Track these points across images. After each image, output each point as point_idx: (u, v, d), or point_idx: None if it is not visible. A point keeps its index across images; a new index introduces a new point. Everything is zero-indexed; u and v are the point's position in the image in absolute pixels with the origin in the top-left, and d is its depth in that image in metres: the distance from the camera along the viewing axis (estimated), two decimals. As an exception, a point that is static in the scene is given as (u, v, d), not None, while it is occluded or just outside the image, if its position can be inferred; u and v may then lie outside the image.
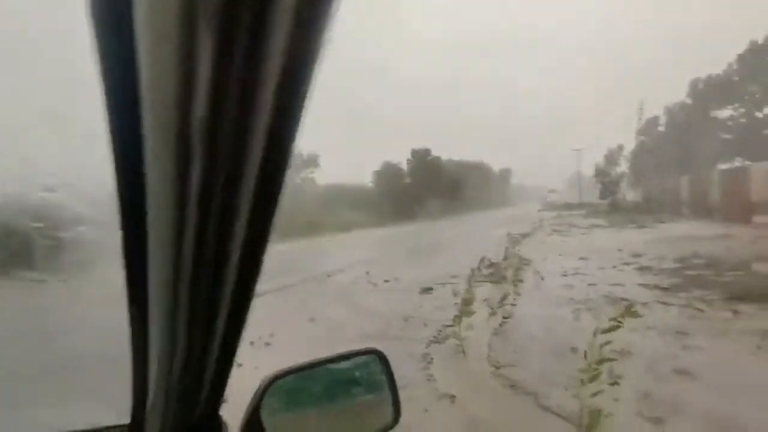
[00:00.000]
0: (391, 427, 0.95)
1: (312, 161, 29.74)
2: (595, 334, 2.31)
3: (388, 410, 0.96)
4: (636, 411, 2.78)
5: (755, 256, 8.25)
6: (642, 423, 2.67)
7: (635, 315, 2.50)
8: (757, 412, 2.67)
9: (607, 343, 2.24)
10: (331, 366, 0.97)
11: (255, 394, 0.77)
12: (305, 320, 5.80)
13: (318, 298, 7.30)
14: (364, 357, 1.01)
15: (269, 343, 4.92)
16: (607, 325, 2.36)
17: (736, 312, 4.81)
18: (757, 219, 14.15)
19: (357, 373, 1.01)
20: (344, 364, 0.99)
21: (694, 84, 25.92)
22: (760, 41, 22.97)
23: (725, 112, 24.44)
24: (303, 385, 0.92)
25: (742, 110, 23.40)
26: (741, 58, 23.74)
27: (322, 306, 6.68)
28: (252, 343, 4.98)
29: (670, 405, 2.84)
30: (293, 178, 29.55)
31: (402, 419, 3.12)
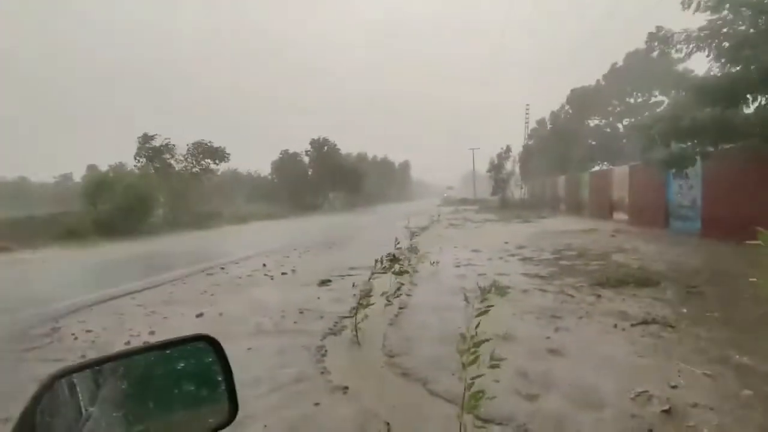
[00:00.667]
0: (227, 424, 0.82)
1: (213, 151, 27.80)
2: (473, 320, 2.40)
3: (223, 406, 0.83)
4: (514, 389, 2.98)
5: (614, 248, 9.45)
6: (519, 400, 2.86)
7: (503, 293, 2.62)
8: (611, 382, 3.01)
9: (477, 326, 2.33)
10: (151, 356, 0.82)
11: (32, 395, 0.60)
12: (192, 315, 5.38)
13: (209, 292, 6.82)
14: (193, 344, 0.87)
15: (147, 342, 4.43)
16: (484, 309, 2.46)
17: (598, 296, 5.43)
18: (616, 216, 16.29)
19: (183, 364, 0.85)
20: (168, 353, 0.84)
21: (573, 93, 29.10)
22: (619, 64, 26.54)
23: (595, 121, 27.81)
24: (112, 379, 0.75)
25: (606, 121, 26.91)
26: (605, 77, 27.23)
27: (212, 300, 6.26)
28: (127, 342, 4.50)
29: (543, 382, 3.09)
30: (191, 168, 27.33)
31: (292, 414, 2.98)
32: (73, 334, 4.81)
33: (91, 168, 24.58)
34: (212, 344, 0.85)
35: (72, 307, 6.10)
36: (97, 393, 0.73)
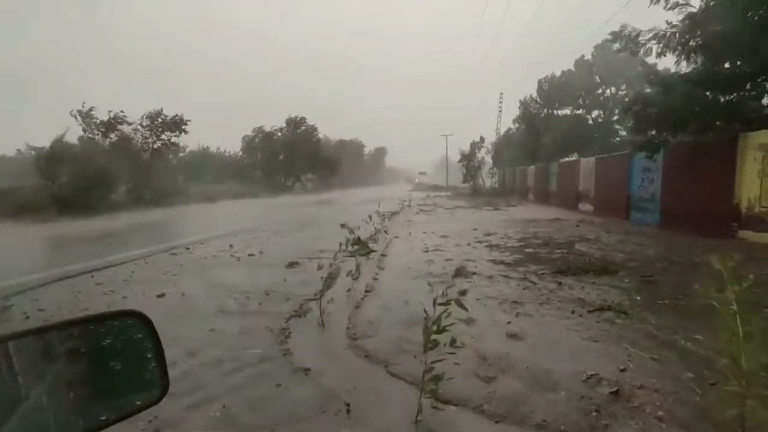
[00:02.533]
0: (156, 402, 0.80)
1: (177, 124, 26.60)
2: (434, 304, 2.43)
3: (154, 384, 0.81)
4: (473, 372, 3.06)
5: (578, 237, 9.75)
6: (477, 382, 2.94)
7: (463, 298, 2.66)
8: (565, 364, 3.13)
9: (446, 311, 2.36)
10: (74, 331, 0.79)
11: None
12: (153, 296, 5.25)
13: (172, 272, 6.66)
14: (121, 320, 0.84)
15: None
16: (446, 296, 2.50)
17: (559, 284, 5.60)
18: (582, 206, 16.78)
19: (110, 340, 0.82)
20: (93, 329, 0.81)
21: (541, 83, 29.51)
22: (586, 56, 27.09)
23: (564, 111, 28.33)
24: (24, 359, 0.71)
25: (577, 112, 27.44)
26: (571, 68, 27.74)
27: (175, 280, 6.12)
28: (83, 323, 4.32)
29: (501, 365, 3.18)
30: (152, 143, 26.20)
31: (253, 394, 2.96)
32: (24, 313, 4.62)
33: (57, 141, 23.17)
34: (143, 321, 0.82)
35: (25, 285, 5.84)
36: (5, 375, 0.69)
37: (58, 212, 16.97)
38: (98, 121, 24.24)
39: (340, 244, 5.01)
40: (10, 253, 9.40)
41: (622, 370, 3.05)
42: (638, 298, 4.90)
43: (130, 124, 25.23)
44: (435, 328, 2.34)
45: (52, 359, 0.75)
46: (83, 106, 24.11)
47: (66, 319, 0.78)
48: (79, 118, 23.96)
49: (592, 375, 2.96)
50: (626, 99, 22.44)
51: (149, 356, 0.81)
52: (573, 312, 4.42)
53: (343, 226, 5.69)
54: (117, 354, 0.82)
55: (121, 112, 24.73)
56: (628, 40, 9.85)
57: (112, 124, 24.54)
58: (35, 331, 0.72)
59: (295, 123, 43.79)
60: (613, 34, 10.05)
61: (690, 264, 6.61)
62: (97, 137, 24.39)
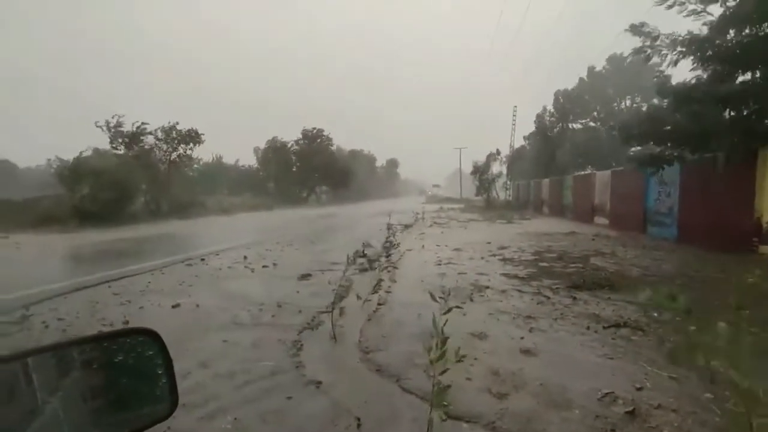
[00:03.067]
0: (166, 417, 0.82)
1: (192, 137, 27.12)
2: (441, 317, 2.43)
3: (163, 400, 0.83)
4: (485, 388, 3.02)
5: (593, 251, 9.62)
6: (489, 398, 2.90)
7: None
8: (580, 383, 3.07)
9: (445, 323, 2.35)
10: (87, 348, 0.81)
11: None
12: (168, 306, 5.32)
13: (187, 283, 6.75)
14: (133, 337, 0.86)
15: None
16: (455, 309, 2.49)
17: (574, 299, 5.52)
18: (597, 220, 16.56)
19: (122, 357, 0.85)
20: (106, 346, 0.83)
21: (556, 96, 29.41)
22: (597, 68, 26.97)
23: (578, 125, 28.16)
24: (42, 374, 0.74)
25: (591, 124, 27.26)
26: (583, 80, 27.60)
27: (190, 291, 6.19)
28: (99, 332, 4.40)
29: (514, 381, 3.14)
30: (169, 154, 26.68)
31: (264, 407, 2.98)
32: (44, 322, 4.72)
33: (81, 154, 23.82)
34: (154, 338, 0.84)
35: (44, 294, 5.98)
36: (25, 389, 0.72)
37: (78, 223, 17.35)
38: (124, 132, 24.75)
39: (353, 257, 5.02)
40: (31, 263, 9.63)
41: (639, 389, 2.99)
42: (655, 314, 4.80)
43: (155, 136, 25.80)
44: (441, 341, 2.32)
45: (68, 374, 0.77)
46: (112, 119, 24.74)
47: (81, 336, 0.81)
48: (106, 129, 24.55)
49: (607, 393, 2.91)
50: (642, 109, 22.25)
51: (160, 372, 0.83)
52: (588, 328, 4.35)
53: (364, 247, 5.71)
54: (129, 370, 0.85)
55: (144, 124, 25.31)
56: (648, 38, 9.71)
57: (136, 136, 25.07)
58: (53, 347, 0.75)
59: (312, 135, 44.12)
60: (632, 27, 9.88)
61: (709, 279, 6.46)
62: (120, 149, 24.89)
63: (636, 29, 9.77)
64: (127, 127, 24.83)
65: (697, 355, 3.57)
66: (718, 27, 8.83)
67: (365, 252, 5.40)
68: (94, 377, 0.82)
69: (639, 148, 12.41)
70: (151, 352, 0.83)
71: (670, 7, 9.04)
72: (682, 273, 7.12)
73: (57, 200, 19.47)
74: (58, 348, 0.76)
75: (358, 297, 5.17)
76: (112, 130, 24.54)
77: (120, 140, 24.75)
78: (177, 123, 26.71)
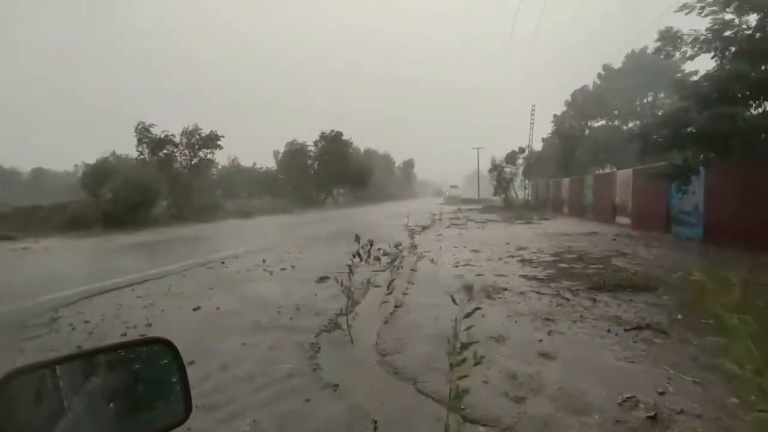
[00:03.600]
0: (180, 423, 0.85)
1: (212, 140, 27.56)
2: (459, 320, 2.41)
3: (178, 406, 0.86)
4: (502, 392, 3.00)
5: (614, 252, 9.43)
6: (507, 402, 2.88)
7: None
8: (599, 388, 3.02)
9: (469, 327, 2.33)
10: (106, 357, 0.85)
11: None
12: (189, 309, 5.43)
13: (208, 285, 6.87)
14: (149, 347, 0.90)
15: (144, 335, 4.48)
16: (470, 311, 2.47)
17: (594, 300, 5.43)
18: (619, 219, 16.23)
19: (139, 365, 0.88)
20: (124, 355, 0.87)
21: (574, 95, 28.94)
22: (615, 65, 26.46)
23: (599, 122, 27.63)
24: (65, 381, 0.78)
25: (611, 123, 26.73)
26: (601, 78, 27.08)
27: (210, 294, 6.30)
28: (124, 334, 4.54)
29: (531, 385, 3.11)
30: (191, 159, 27.20)
31: (282, 409, 3.01)
32: (71, 325, 4.87)
33: (102, 159, 24.53)
34: (169, 347, 0.87)
35: (70, 297, 6.16)
36: (51, 394, 0.76)
37: (103, 227, 17.83)
38: (150, 138, 25.37)
39: (365, 259, 5.01)
40: (58, 267, 9.94)
41: (661, 393, 2.92)
42: (679, 316, 4.68)
43: (176, 144, 26.38)
44: (460, 345, 2.31)
45: (90, 381, 0.81)
46: (143, 124, 25.41)
47: (103, 345, 0.85)
48: (136, 134, 25.24)
49: (628, 398, 2.85)
50: (663, 109, 21.72)
51: (174, 380, 0.87)
52: (608, 330, 4.27)
53: (380, 249, 5.71)
54: (145, 377, 0.89)
55: (170, 132, 25.99)
56: (671, 40, 9.57)
57: (161, 142, 25.69)
58: (78, 355, 0.78)
59: (331, 138, 44.27)
60: (660, 34, 9.77)
61: (739, 282, 6.26)
62: (146, 155, 25.52)
63: (663, 35, 9.63)
64: (154, 132, 25.49)
65: (722, 359, 3.48)
66: (739, 24, 8.61)
67: (382, 254, 5.40)
68: (114, 384, 0.86)
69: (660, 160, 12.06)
70: (166, 361, 0.86)
71: (688, 12, 8.87)
72: (707, 274, 6.92)
73: (82, 205, 20.05)
74: (82, 356, 0.80)
75: (375, 299, 5.19)
76: (140, 135, 25.21)
77: (146, 145, 25.38)
78: (197, 125, 27.20)
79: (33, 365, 0.72)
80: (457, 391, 2.30)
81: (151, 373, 0.88)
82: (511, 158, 35.04)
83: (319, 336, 4.36)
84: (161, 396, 0.89)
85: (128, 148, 25.85)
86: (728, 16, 8.69)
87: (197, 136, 27.08)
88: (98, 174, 21.51)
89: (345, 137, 44.86)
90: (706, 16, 8.78)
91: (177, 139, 26.40)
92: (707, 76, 9.57)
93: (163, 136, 25.59)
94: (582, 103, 27.95)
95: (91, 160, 26.08)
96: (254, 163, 46.88)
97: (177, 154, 26.64)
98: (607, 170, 22.12)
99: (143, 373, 0.88)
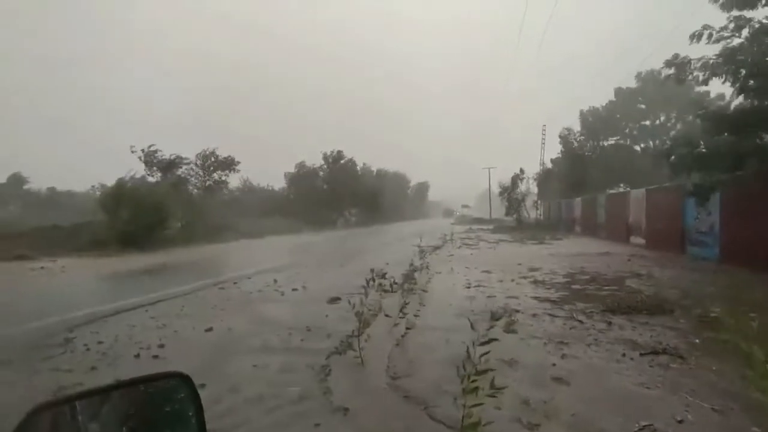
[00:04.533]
0: None
1: (228, 164, 28.19)
2: (474, 345, 2.41)
3: None
4: (515, 418, 2.95)
5: (628, 273, 9.29)
6: (519, 429, 2.83)
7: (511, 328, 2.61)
8: (615, 414, 2.96)
9: (486, 353, 2.32)
10: (124, 392, 0.87)
11: None
12: (201, 330, 5.46)
13: (220, 306, 6.91)
14: (166, 381, 0.92)
15: (158, 356, 4.53)
16: (486, 337, 2.46)
17: (609, 323, 5.35)
18: (633, 239, 16.02)
19: (156, 400, 0.91)
20: (141, 389, 0.89)
21: (584, 115, 28.96)
22: (624, 87, 26.53)
23: (611, 142, 27.53)
24: (85, 415, 0.80)
25: (622, 142, 26.63)
26: (612, 100, 27.16)
27: (222, 315, 6.33)
28: (137, 355, 4.58)
29: (545, 411, 3.05)
30: (204, 181, 27.73)
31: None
32: (85, 345, 4.93)
33: (120, 180, 25.27)
34: (185, 381, 0.90)
35: (86, 317, 6.24)
36: (72, 430, 0.78)
37: (119, 248, 18.09)
38: (159, 160, 25.93)
39: (376, 281, 5.02)
40: (74, 288, 10.09)
41: (680, 422, 2.85)
42: (697, 340, 4.58)
43: (188, 164, 26.98)
44: (474, 371, 2.30)
45: (109, 416, 0.84)
46: (148, 148, 26.06)
47: (121, 381, 0.88)
48: (142, 157, 25.82)
49: (645, 426, 2.79)
50: (676, 128, 21.60)
51: (190, 414, 0.89)
52: (624, 355, 4.19)
53: (385, 262, 5.73)
54: (162, 411, 0.91)
55: (181, 155, 26.61)
56: (679, 67, 9.65)
57: (171, 164, 26.24)
58: (96, 391, 0.81)
59: (333, 158, 44.85)
60: (667, 62, 9.87)
61: (756, 303, 6.12)
62: (156, 176, 26.06)
63: (670, 63, 9.73)
64: (162, 155, 26.09)
65: (742, 385, 3.39)
66: (750, 47, 8.64)
67: (392, 276, 5.41)
68: (132, 418, 0.88)
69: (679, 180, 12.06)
70: (182, 395, 0.89)
71: (698, 38, 8.97)
72: (724, 295, 6.78)
73: (99, 226, 20.39)
74: (101, 392, 0.82)
75: (386, 321, 5.17)
76: (147, 159, 25.78)
77: (155, 168, 25.93)
78: (215, 150, 27.84)
79: (54, 401, 0.74)
80: (469, 421, 2.28)
81: (168, 407, 0.91)
82: (517, 179, 35.02)
83: (330, 358, 4.34)
84: (177, 430, 0.91)
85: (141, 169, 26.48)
86: (737, 40, 8.74)
87: (212, 159, 27.66)
88: (117, 195, 21.94)
89: (347, 156, 45.36)
90: (717, 42, 8.86)
91: (191, 159, 27.03)
92: (737, 109, 9.61)
93: (173, 158, 26.17)
94: (592, 123, 27.96)
95: (110, 181, 26.72)
96: (267, 184, 47.43)
97: (192, 176, 27.20)
98: (620, 190, 21.91)
99: (160, 408, 0.90)
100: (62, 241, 18.33)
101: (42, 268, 13.10)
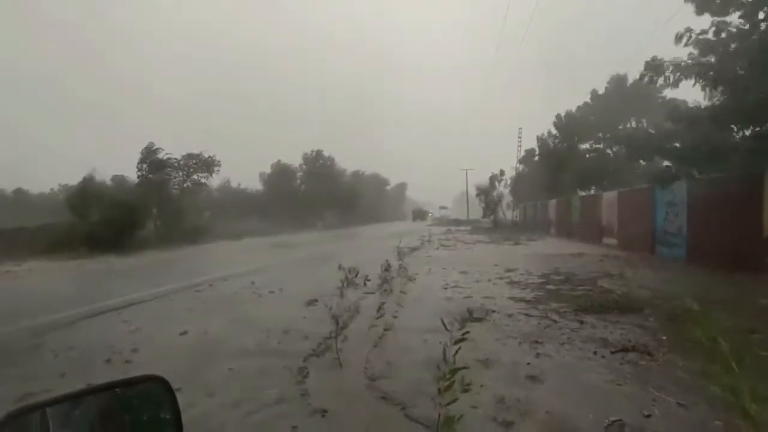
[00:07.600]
0: None
1: (208, 165, 27.79)
2: (449, 344, 2.44)
3: None
4: (490, 416, 3.01)
5: (601, 273, 9.55)
6: (495, 427, 2.89)
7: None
8: (587, 411, 3.05)
9: (456, 352, 2.36)
10: (101, 396, 0.86)
11: None
12: (176, 333, 5.36)
13: (195, 309, 6.80)
14: (143, 384, 0.91)
15: (130, 361, 4.43)
16: (460, 337, 2.50)
17: (582, 322, 5.49)
18: (605, 240, 16.46)
19: (134, 404, 0.90)
20: (118, 393, 0.88)
21: (559, 118, 29.60)
22: (600, 91, 27.28)
23: (585, 146, 28.19)
24: (61, 420, 0.79)
25: (597, 146, 27.30)
26: (586, 103, 27.87)
27: (198, 317, 6.23)
28: (108, 360, 4.47)
29: (519, 408, 3.12)
30: (183, 182, 27.23)
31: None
32: (53, 351, 4.77)
33: (88, 179, 24.47)
34: (163, 385, 0.89)
35: (55, 322, 6.05)
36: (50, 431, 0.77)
37: (89, 250, 17.55)
38: (152, 160, 25.38)
39: (353, 282, 5.04)
40: (41, 291, 9.75)
41: (647, 416, 2.96)
42: (664, 338, 4.75)
43: (176, 166, 26.48)
44: (449, 370, 2.33)
45: (83, 422, 0.82)
46: (150, 146, 25.52)
47: (95, 385, 0.86)
48: (142, 154, 25.27)
49: (614, 421, 2.88)
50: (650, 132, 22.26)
51: (168, 417, 0.88)
52: (595, 353, 4.31)
53: (364, 263, 5.74)
54: (140, 415, 0.90)
55: (173, 156, 26.10)
56: (655, 70, 10.03)
57: (161, 164, 25.69)
58: (68, 396, 0.79)
59: (312, 158, 44.66)
60: (647, 64, 10.23)
61: (719, 301, 6.38)
62: (145, 175, 25.49)
63: (649, 66, 10.08)
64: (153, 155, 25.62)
65: (706, 381, 3.53)
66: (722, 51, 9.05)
67: (369, 276, 5.42)
68: (108, 423, 0.86)
69: (644, 163, 12.67)
70: (160, 399, 0.88)
71: (683, 39, 9.35)
72: (691, 294, 7.03)
73: (68, 227, 19.75)
74: (73, 397, 0.81)
75: (364, 323, 5.17)
76: (144, 156, 25.26)
77: (147, 166, 25.41)
78: (200, 153, 27.50)
79: (25, 407, 0.72)
80: (446, 417, 2.32)
81: (145, 410, 0.90)
82: (494, 180, 35.61)
83: (308, 360, 4.33)
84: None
85: (125, 169, 25.93)
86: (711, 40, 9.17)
87: (194, 160, 27.25)
88: (85, 194, 21.28)
89: (326, 154, 45.22)
90: (693, 45, 9.28)
91: (179, 161, 26.62)
92: (708, 108, 10.01)
93: (165, 158, 25.72)
94: (567, 125, 28.59)
95: (73, 182, 25.97)
96: (239, 184, 46.73)
97: (172, 176, 26.69)
98: (593, 192, 22.49)
99: (137, 411, 0.89)
100: (29, 243, 17.69)
101: (7, 272, 12.62)
